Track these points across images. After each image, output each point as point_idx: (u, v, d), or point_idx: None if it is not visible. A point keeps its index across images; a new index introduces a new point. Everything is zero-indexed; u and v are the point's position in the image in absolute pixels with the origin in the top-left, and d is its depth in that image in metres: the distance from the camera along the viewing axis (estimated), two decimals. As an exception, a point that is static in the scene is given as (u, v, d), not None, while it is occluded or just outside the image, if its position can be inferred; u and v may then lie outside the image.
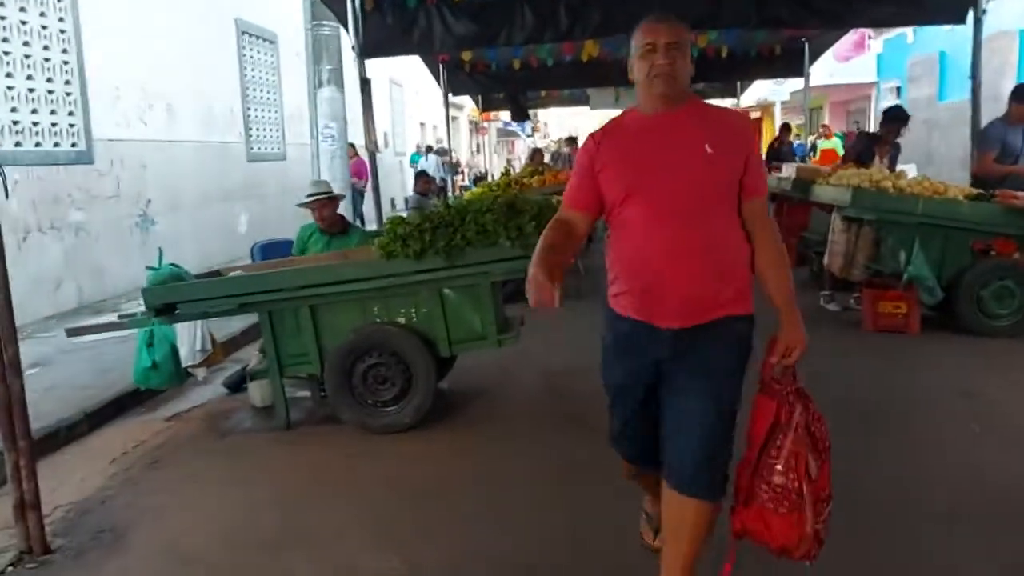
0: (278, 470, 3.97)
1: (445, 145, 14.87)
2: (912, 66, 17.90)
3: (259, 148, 12.36)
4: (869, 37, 19.40)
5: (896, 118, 6.66)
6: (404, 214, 10.61)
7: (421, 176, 11.09)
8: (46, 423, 4.37)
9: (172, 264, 4.66)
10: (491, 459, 3.86)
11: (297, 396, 4.82)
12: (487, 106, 17.45)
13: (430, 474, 3.73)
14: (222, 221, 10.89)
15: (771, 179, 8.64)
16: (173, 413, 5.00)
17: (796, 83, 20.78)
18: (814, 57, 13.26)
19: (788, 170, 7.73)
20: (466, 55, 11.24)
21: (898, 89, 18.93)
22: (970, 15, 7.39)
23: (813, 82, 21.47)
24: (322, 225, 5.11)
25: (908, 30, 18.07)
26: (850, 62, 19.90)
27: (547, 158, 18.23)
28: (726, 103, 26.36)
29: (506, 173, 13.94)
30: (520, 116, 14.71)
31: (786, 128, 12.39)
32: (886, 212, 5.50)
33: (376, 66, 8.74)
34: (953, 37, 16.10)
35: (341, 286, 4.14)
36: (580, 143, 13.37)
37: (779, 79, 20.30)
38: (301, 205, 5.18)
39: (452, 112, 29.65)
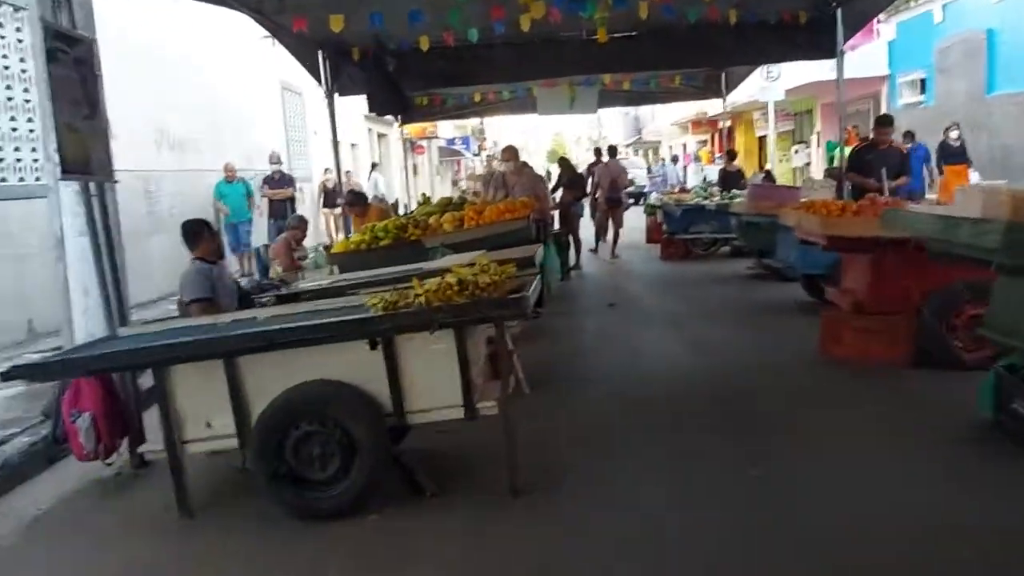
0: None
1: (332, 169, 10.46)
2: (943, 52, 14.18)
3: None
4: (878, 21, 15.73)
5: None
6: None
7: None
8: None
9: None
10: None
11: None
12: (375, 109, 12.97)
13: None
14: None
15: (898, 214, 4.56)
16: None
17: (791, 79, 17.03)
18: (850, 31, 9.44)
19: (970, 198, 3.59)
20: (336, 24, 7.04)
21: (922, 82, 15.21)
22: None
23: (804, 79, 17.73)
24: None
25: (936, 7, 14.38)
26: (854, 51, 16.18)
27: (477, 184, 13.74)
28: (709, 106, 21.74)
29: (425, 201, 9.84)
30: (388, 108, 10.35)
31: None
32: None
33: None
34: (1004, 9, 12.37)
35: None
36: (523, 159, 8.29)
37: (772, 74, 16.54)
38: None
39: (379, 127, 25.19)
